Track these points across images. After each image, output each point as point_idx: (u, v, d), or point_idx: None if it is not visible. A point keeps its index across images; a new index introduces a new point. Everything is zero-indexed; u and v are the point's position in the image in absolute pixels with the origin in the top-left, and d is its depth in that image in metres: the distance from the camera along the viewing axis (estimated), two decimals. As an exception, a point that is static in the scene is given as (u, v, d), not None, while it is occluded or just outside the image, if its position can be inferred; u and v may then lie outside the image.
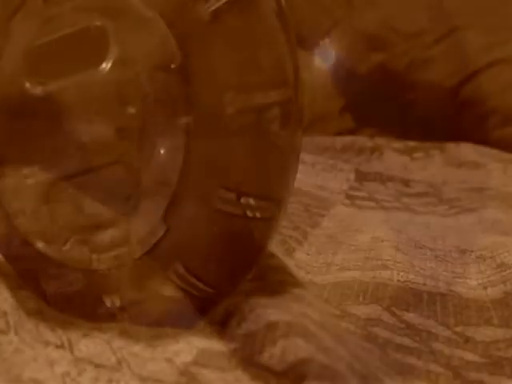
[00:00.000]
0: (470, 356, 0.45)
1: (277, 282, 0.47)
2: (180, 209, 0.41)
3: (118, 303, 0.43)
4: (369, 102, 1.38)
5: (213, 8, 0.39)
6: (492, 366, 0.44)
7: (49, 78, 0.42)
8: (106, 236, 0.42)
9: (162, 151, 0.41)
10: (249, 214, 0.41)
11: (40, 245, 0.44)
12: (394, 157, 1.11)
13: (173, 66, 0.40)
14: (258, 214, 0.42)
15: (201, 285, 0.42)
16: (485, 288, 0.56)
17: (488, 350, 0.46)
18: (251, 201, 0.41)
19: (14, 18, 0.43)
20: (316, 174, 0.90)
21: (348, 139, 1.19)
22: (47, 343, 0.39)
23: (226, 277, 0.43)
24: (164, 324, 0.43)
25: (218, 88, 0.40)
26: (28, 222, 0.44)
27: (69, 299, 0.45)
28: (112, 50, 0.41)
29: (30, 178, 0.43)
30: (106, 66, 0.41)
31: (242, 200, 0.41)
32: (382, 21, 1.35)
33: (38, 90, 0.42)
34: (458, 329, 0.49)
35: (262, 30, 0.41)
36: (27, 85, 0.42)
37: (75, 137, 0.42)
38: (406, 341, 0.46)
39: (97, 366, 0.39)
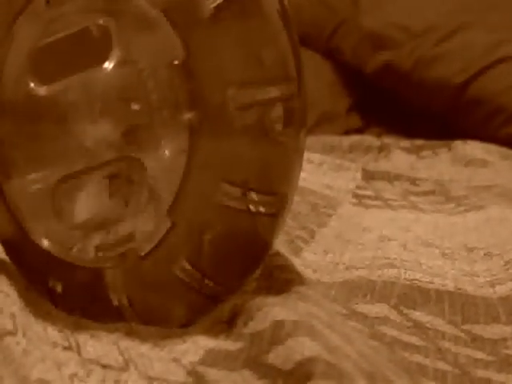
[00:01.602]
0: (477, 354, 0.45)
1: (283, 280, 0.47)
2: (185, 204, 0.41)
3: (125, 301, 0.43)
4: (376, 101, 1.37)
5: (215, 4, 0.40)
6: (499, 363, 0.44)
7: (53, 78, 0.42)
8: (112, 234, 0.43)
9: (166, 147, 0.41)
10: (253, 209, 0.41)
11: (46, 245, 0.44)
12: (401, 155, 1.11)
13: (176, 63, 0.40)
14: (262, 209, 0.42)
15: (207, 281, 0.42)
16: (492, 286, 0.56)
17: (495, 348, 0.46)
18: (255, 196, 0.41)
19: (17, 21, 0.43)
20: (323, 173, 0.90)
21: (355, 138, 1.19)
22: (55, 344, 0.39)
23: (233, 273, 0.43)
24: (170, 320, 0.43)
25: (221, 84, 0.40)
26: (34, 222, 0.44)
27: (76, 300, 0.45)
28: (115, 48, 0.41)
29: (37, 184, 0.43)
30: (109, 64, 0.41)
31: (247, 195, 0.41)
32: (388, 20, 1.35)
33: (42, 91, 0.42)
34: (466, 327, 0.49)
35: (264, 27, 0.41)
36: (32, 85, 0.43)
37: (81, 137, 0.42)
38: (414, 339, 0.46)
39: (104, 366, 0.39)
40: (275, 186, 0.42)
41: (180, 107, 0.40)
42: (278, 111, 0.41)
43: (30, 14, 0.43)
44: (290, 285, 0.46)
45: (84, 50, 0.42)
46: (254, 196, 0.41)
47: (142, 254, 0.42)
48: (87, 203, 0.43)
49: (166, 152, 0.41)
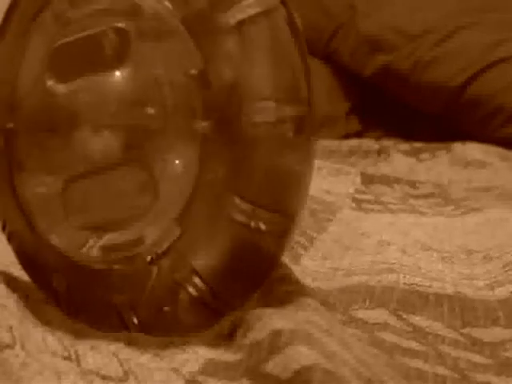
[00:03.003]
0: (476, 358, 0.45)
1: (283, 292, 0.47)
2: (195, 212, 0.41)
3: (127, 306, 0.43)
4: (374, 105, 1.38)
5: (236, 19, 0.40)
6: (499, 366, 0.44)
7: (71, 77, 0.43)
8: (121, 236, 0.43)
9: (178, 154, 0.41)
10: (261, 226, 0.41)
11: (55, 241, 0.44)
12: (400, 159, 1.11)
13: (193, 72, 0.40)
14: (270, 228, 0.42)
15: (212, 294, 0.42)
16: (492, 288, 0.56)
17: (495, 351, 0.46)
18: (264, 213, 0.41)
19: (38, 18, 0.44)
20: (322, 178, 0.90)
21: (354, 142, 1.19)
22: (54, 354, 0.40)
23: (237, 288, 0.43)
24: (171, 330, 0.43)
25: (236, 98, 0.40)
26: (43, 218, 0.44)
27: (79, 302, 0.45)
28: (133, 52, 0.41)
29: (48, 182, 0.44)
30: (127, 67, 0.41)
31: (256, 211, 0.41)
32: (385, 23, 1.35)
33: (59, 88, 0.43)
34: (465, 330, 0.49)
35: (280, 47, 0.41)
36: (50, 83, 0.43)
37: (94, 137, 0.42)
38: (413, 344, 0.46)
39: (104, 377, 0.39)
40: (284, 205, 0.42)
41: (194, 116, 0.40)
42: (288, 127, 0.41)
43: (52, 11, 0.43)
44: (290, 296, 0.46)
45: (103, 51, 0.42)
46: (262, 213, 0.41)
47: (150, 259, 0.42)
48: (97, 205, 0.43)
49: (178, 159, 0.41)
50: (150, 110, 0.41)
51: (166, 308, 0.43)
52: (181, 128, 0.41)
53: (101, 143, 0.42)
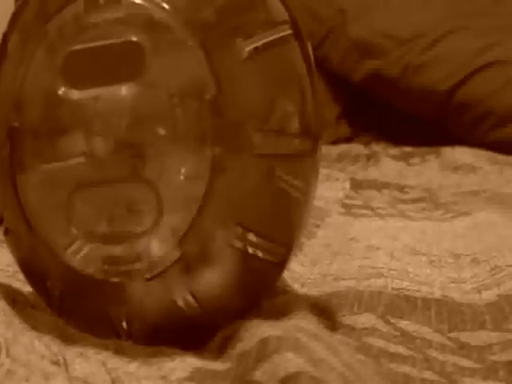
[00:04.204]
0: (464, 361, 0.45)
1: (273, 304, 0.47)
2: (196, 236, 0.41)
3: (122, 317, 0.43)
4: (364, 109, 1.38)
5: (251, 47, 0.41)
6: (486, 370, 0.44)
7: (84, 84, 0.42)
8: (120, 249, 0.43)
9: (185, 177, 0.41)
10: (260, 255, 0.42)
11: (52, 243, 0.44)
12: (390, 163, 1.11)
13: (206, 97, 0.40)
14: (269, 257, 0.43)
15: (205, 316, 0.43)
16: (479, 292, 0.56)
17: (482, 355, 0.46)
18: (265, 243, 0.42)
19: (51, 21, 0.43)
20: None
21: (343, 147, 1.19)
22: (43, 357, 0.39)
23: (229, 313, 0.44)
24: (163, 344, 0.43)
25: (246, 127, 0.41)
26: (45, 223, 0.44)
27: (72, 309, 0.45)
28: (148, 68, 0.41)
29: (51, 191, 0.43)
30: (141, 82, 0.41)
31: (258, 241, 0.42)
32: (375, 28, 1.35)
33: (71, 94, 0.42)
34: (453, 334, 0.49)
35: (292, 78, 0.42)
36: (62, 88, 0.42)
37: (101, 148, 0.42)
38: (401, 349, 0.46)
39: (91, 385, 0.39)
40: (286, 237, 0.43)
41: (204, 141, 0.40)
42: (295, 162, 0.42)
43: (66, 15, 0.43)
44: (280, 305, 0.47)
45: (117, 63, 0.42)
46: (264, 243, 0.42)
47: (148, 276, 0.42)
48: (100, 215, 0.43)
49: (185, 182, 0.41)
50: (161, 131, 0.41)
51: (158, 323, 0.43)
52: (190, 152, 0.41)
53: (107, 155, 0.42)
